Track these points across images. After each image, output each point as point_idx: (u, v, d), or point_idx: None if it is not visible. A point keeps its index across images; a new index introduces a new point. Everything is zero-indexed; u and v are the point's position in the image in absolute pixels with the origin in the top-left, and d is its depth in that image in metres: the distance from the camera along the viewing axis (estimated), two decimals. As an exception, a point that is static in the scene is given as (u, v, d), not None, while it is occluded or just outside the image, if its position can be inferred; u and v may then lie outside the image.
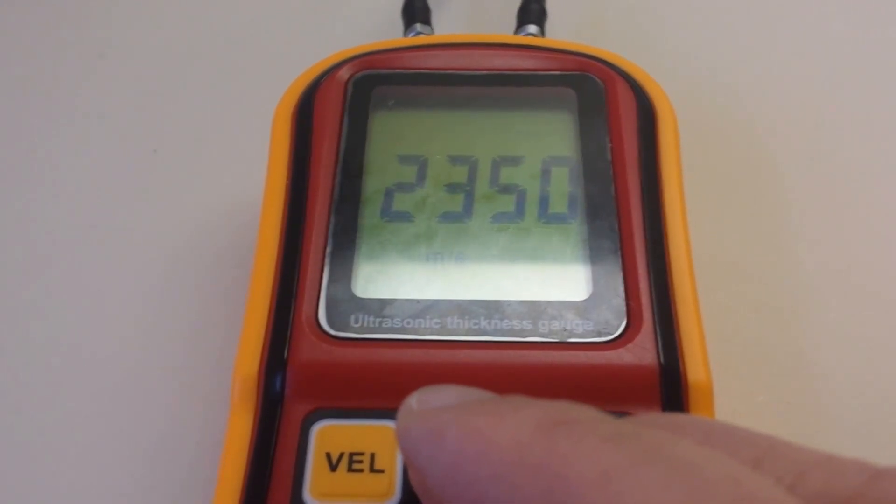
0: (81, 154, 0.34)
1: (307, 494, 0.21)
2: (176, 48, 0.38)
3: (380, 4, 0.38)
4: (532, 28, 0.33)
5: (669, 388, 0.22)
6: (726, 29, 0.38)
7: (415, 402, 0.18)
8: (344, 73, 0.28)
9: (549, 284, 0.24)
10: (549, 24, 0.34)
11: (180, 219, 0.32)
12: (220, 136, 0.35)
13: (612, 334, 0.23)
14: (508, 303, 0.24)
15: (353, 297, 0.24)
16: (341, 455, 0.21)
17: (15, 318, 0.30)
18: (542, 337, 0.23)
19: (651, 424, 0.16)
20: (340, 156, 0.27)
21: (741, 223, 0.32)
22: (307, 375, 0.22)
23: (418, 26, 0.33)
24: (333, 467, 0.21)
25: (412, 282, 0.24)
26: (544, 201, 0.26)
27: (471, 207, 0.26)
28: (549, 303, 0.24)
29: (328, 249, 0.25)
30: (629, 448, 0.14)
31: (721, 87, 0.36)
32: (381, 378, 0.22)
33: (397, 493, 0.21)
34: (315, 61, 0.29)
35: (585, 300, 0.24)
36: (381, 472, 0.21)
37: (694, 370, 0.23)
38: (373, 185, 0.26)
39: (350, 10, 0.39)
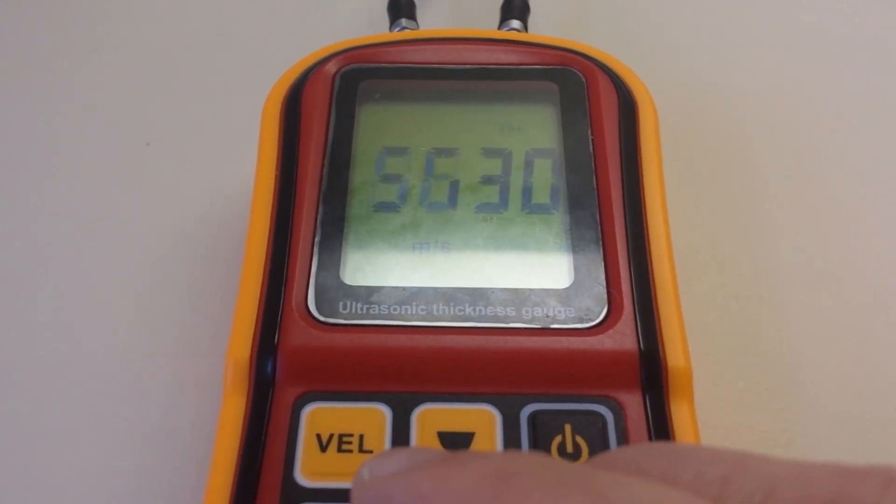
0: (74, 147, 0.35)
1: (299, 474, 0.21)
2: (167, 42, 0.38)
3: (366, 0, 0.39)
4: (515, 23, 0.34)
5: (649, 372, 0.23)
6: (707, 23, 0.39)
7: (366, 471, 0.18)
8: (331, 67, 0.29)
9: (532, 272, 0.25)
10: (532, 20, 0.34)
11: (173, 210, 0.32)
12: (211, 129, 0.35)
13: (593, 321, 0.24)
14: (492, 290, 0.24)
15: (342, 285, 0.24)
16: (331, 436, 0.22)
17: (10, 308, 0.30)
18: (526, 323, 0.24)
19: (608, 464, 0.16)
20: (328, 147, 0.27)
21: (720, 214, 0.32)
22: (297, 360, 0.23)
23: (403, 21, 0.34)
24: (324, 448, 0.22)
25: (399, 269, 0.25)
26: (527, 192, 0.27)
27: (456, 197, 0.27)
28: (532, 290, 0.24)
29: (317, 238, 0.25)
30: (577, 497, 0.14)
31: (701, 81, 0.37)
32: (368, 362, 0.23)
33: (385, 472, 0.22)
34: (303, 56, 0.30)
35: (567, 287, 0.25)
36: (370, 452, 0.22)
37: (674, 355, 0.23)
38: (360, 175, 0.27)
39: (337, 5, 0.39)
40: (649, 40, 0.38)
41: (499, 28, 0.34)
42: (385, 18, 0.35)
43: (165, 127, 0.35)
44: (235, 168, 0.32)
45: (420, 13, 0.35)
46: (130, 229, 0.32)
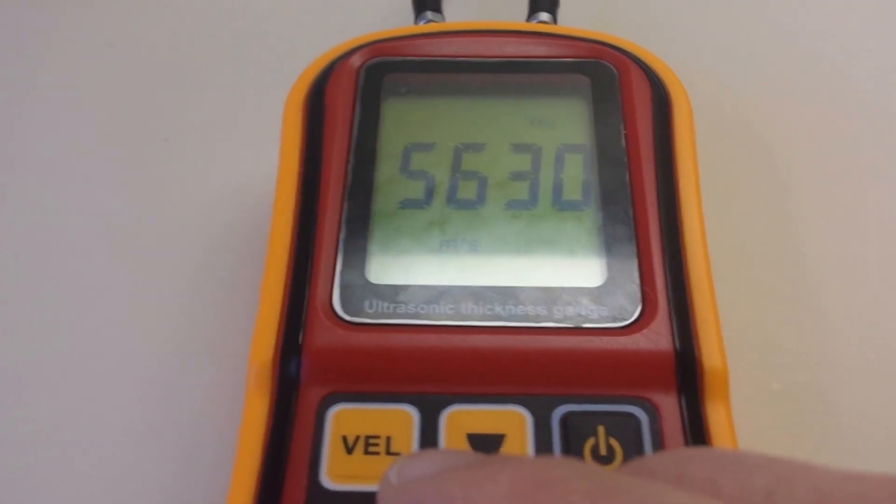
0: (92, 143, 0.34)
1: (324, 477, 0.21)
2: (186, 36, 0.38)
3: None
4: (544, 16, 0.33)
5: (685, 373, 0.22)
6: (740, 16, 0.38)
7: (393, 474, 0.17)
8: (356, 61, 0.28)
9: (563, 270, 0.24)
10: (561, 12, 0.34)
11: (194, 207, 0.32)
12: (231, 124, 0.35)
13: (627, 320, 0.23)
14: (523, 288, 0.24)
15: (367, 283, 0.24)
16: (357, 438, 0.21)
17: (27, 309, 0.30)
18: (557, 322, 0.23)
19: (647, 471, 0.16)
20: (353, 143, 0.27)
21: (754, 211, 0.32)
22: (322, 360, 0.22)
23: (429, 14, 0.33)
24: (350, 450, 0.21)
25: (426, 268, 0.24)
26: (558, 188, 0.26)
27: (484, 194, 0.26)
28: (563, 289, 0.24)
29: (342, 236, 0.25)
30: None
31: (734, 74, 0.36)
32: (395, 362, 0.23)
33: (413, 476, 0.21)
34: (325, 50, 0.29)
35: (600, 286, 0.24)
36: (398, 454, 0.21)
37: (710, 355, 0.23)
38: (385, 171, 0.26)
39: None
40: (681, 33, 0.37)
41: (527, 21, 0.33)
42: (409, 11, 0.34)
43: (184, 122, 0.35)
44: (258, 163, 0.32)
45: (446, 5, 0.34)
46: (148, 227, 0.32)
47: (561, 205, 0.26)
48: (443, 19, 0.33)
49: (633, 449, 0.21)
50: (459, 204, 0.26)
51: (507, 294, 0.24)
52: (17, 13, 0.39)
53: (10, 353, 0.29)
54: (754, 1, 0.39)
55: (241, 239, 0.31)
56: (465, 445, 0.21)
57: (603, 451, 0.21)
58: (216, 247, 0.31)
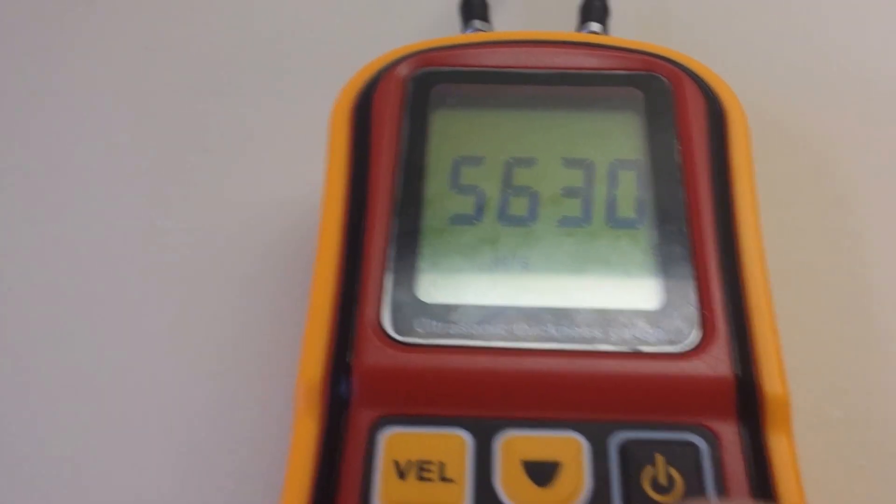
0: (128, 153, 0.34)
1: (377, 502, 0.20)
2: (226, 42, 0.38)
3: (436, 1, 0.37)
4: (595, 26, 0.32)
5: (746, 400, 0.22)
6: (798, 31, 0.37)
7: None
8: (403, 70, 0.28)
9: (618, 292, 0.24)
10: (612, 22, 0.33)
11: (235, 219, 0.32)
12: (274, 133, 0.34)
13: (685, 344, 0.23)
14: (577, 310, 0.23)
15: (418, 302, 0.23)
16: (410, 463, 0.21)
17: (67, 320, 0.30)
18: (613, 345, 0.22)
19: None
20: (401, 156, 0.26)
21: (815, 230, 0.31)
22: (373, 381, 0.22)
23: (477, 23, 0.33)
24: (402, 475, 0.21)
25: (477, 286, 0.24)
26: (612, 205, 0.25)
27: (536, 210, 0.25)
28: (619, 311, 0.23)
29: (391, 252, 0.24)
30: None
31: (793, 89, 0.35)
32: (448, 385, 0.22)
33: (468, 502, 0.21)
34: (370, 58, 0.29)
35: (657, 308, 0.23)
36: (451, 481, 0.21)
37: (771, 382, 0.22)
38: (434, 186, 0.26)
39: (406, 6, 0.38)
40: (735, 45, 0.36)
41: (578, 30, 0.32)
42: (456, 19, 0.34)
43: (225, 131, 0.34)
44: (302, 174, 0.31)
45: (493, 14, 0.34)
46: (189, 238, 0.31)
47: (615, 222, 0.25)
48: (490, 28, 0.33)
49: (694, 479, 0.21)
50: (511, 220, 0.25)
51: (561, 315, 0.23)
52: (51, 13, 0.39)
53: (50, 368, 0.29)
54: (813, 17, 0.38)
55: (287, 252, 0.30)
56: (520, 473, 0.21)
57: (663, 480, 0.21)
58: (261, 260, 0.30)
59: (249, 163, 0.33)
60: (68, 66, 0.37)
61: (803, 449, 0.25)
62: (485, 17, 0.33)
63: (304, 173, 0.29)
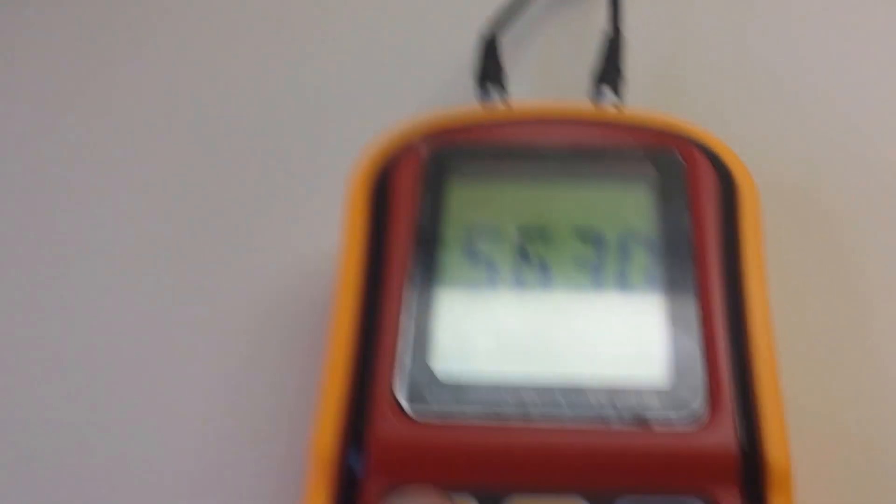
0: (142, 210, 0.35)
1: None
2: (238, 106, 0.38)
3: (452, 60, 0.38)
4: (608, 91, 0.33)
5: (749, 470, 0.22)
6: (813, 98, 0.38)
7: None
8: (423, 149, 0.28)
9: (629, 367, 0.24)
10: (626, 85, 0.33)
11: (247, 281, 0.32)
12: (286, 195, 0.35)
13: (692, 417, 0.23)
14: (588, 385, 0.24)
15: (432, 376, 0.24)
16: (419, 531, 0.21)
17: (74, 377, 0.30)
18: (622, 420, 0.23)
19: None
20: (418, 230, 0.27)
21: (822, 303, 0.31)
22: (386, 453, 0.23)
23: (492, 89, 0.33)
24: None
25: (491, 360, 0.24)
26: (623, 279, 0.26)
27: (549, 283, 0.26)
28: (628, 386, 0.24)
29: (405, 324, 0.25)
30: None
31: (804, 163, 0.35)
32: (460, 459, 0.23)
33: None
34: (384, 120, 0.30)
35: (666, 383, 0.24)
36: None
37: (774, 452, 0.23)
38: (449, 258, 0.26)
39: (419, 68, 0.39)
40: (748, 112, 0.37)
41: (591, 96, 0.33)
42: (469, 81, 0.34)
43: (239, 192, 0.35)
44: (317, 238, 0.32)
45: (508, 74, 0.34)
46: (204, 299, 0.32)
47: (626, 296, 0.26)
48: (506, 93, 0.33)
49: (697, 551, 0.21)
50: (524, 292, 0.26)
51: (572, 391, 0.24)
52: (74, 64, 0.40)
53: (54, 419, 0.29)
54: (829, 87, 0.38)
55: (299, 315, 0.31)
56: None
57: (665, 550, 0.21)
58: (273, 322, 0.31)
59: (259, 228, 0.34)
60: (91, 118, 0.38)
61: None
62: (500, 82, 0.34)
63: (320, 238, 0.30)
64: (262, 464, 0.28)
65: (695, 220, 0.27)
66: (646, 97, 0.34)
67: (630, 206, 0.28)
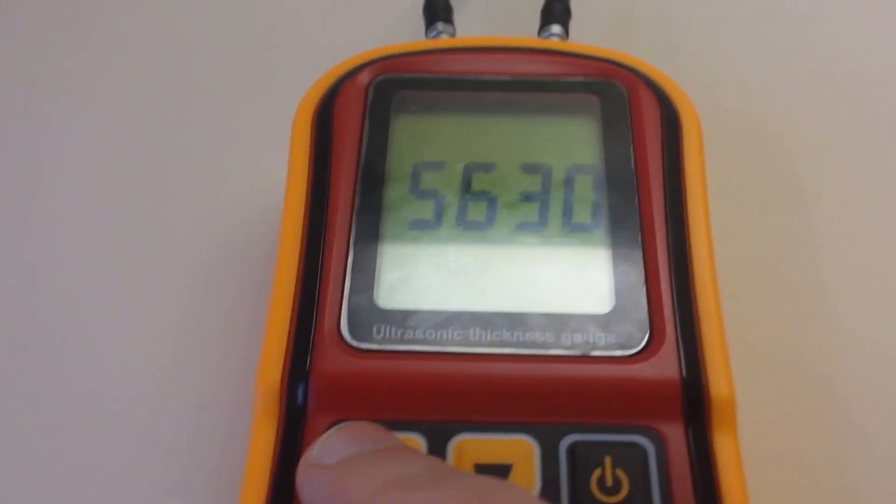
0: (98, 150, 0.34)
1: (331, 507, 0.21)
2: (194, 43, 0.38)
3: (401, 2, 0.38)
4: (556, 28, 0.33)
5: (692, 402, 0.22)
6: (755, 29, 0.38)
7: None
8: (364, 78, 0.28)
9: (572, 296, 0.24)
10: (574, 24, 0.33)
11: (202, 218, 0.32)
12: (239, 135, 0.35)
13: (634, 347, 0.23)
14: (531, 315, 0.24)
15: (376, 308, 0.24)
16: (364, 468, 0.21)
17: (28, 323, 0.30)
18: (565, 350, 0.23)
19: None
20: (361, 162, 0.27)
21: (768, 228, 0.31)
22: (330, 387, 0.23)
23: (440, 25, 0.33)
24: (356, 480, 0.21)
25: (435, 292, 0.24)
26: (568, 211, 0.26)
27: (494, 216, 0.26)
28: (571, 315, 0.24)
29: (350, 259, 0.25)
30: None
31: (746, 88, 0.36)
32: (403, 390, 0.23)
33: (420, 506, 0.21)
34: (336, 59, 0.29)
35: (608, 312, 0.24)
36: (404, 485, 0.21)
37: (717, 384, 0.23)
38: (394, 192, 0.26)
39: (371, 7, 0.38)
40: (694, 45, 0.37)
41: (539, 34, 0.33)
42: (420, 21, 0.34)
43: (192, 130, 0.35)
44: (267, 175, 0.32)
45: (456, 16, 0.34)
46: (155, 239, 0.32)
47: (570, 228, 0.26)
48: (454, 31, 0.33)
49: (641, 479, 0.21)
50: (469, 226, 0.26)
51: (515, 320, 0.24)
52: (21, 12, 0.39)
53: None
54: (771, 16, 0.38)
55: (249, 252, 0.31)
56: (472, 476, 0.22)
57: (609, 482, 0.21)
58: (223, 259, 0.31)
59: (216, 161, 0.34)
60: (36, 62, 0.37)
61: (755, 441, 0.26)
62: (448, 19, 0.33)
63: (270, 174, 0.29)
64: (215, 395, 0.28)
65: (637, 151, 0.27)
66: (593, 34, 0.34)
67: (574, 137, 0.27)
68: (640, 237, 0.25)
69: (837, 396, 0.28)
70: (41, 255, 0.31)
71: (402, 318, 0.24)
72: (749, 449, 0.23)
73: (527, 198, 0.26)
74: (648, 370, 0.23)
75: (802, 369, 0.28)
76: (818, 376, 0.28)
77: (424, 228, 0.26)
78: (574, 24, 0.33)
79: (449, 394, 0.23)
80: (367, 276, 0.24)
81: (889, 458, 0.27)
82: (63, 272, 0.31)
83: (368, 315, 0.24)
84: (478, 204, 0.26)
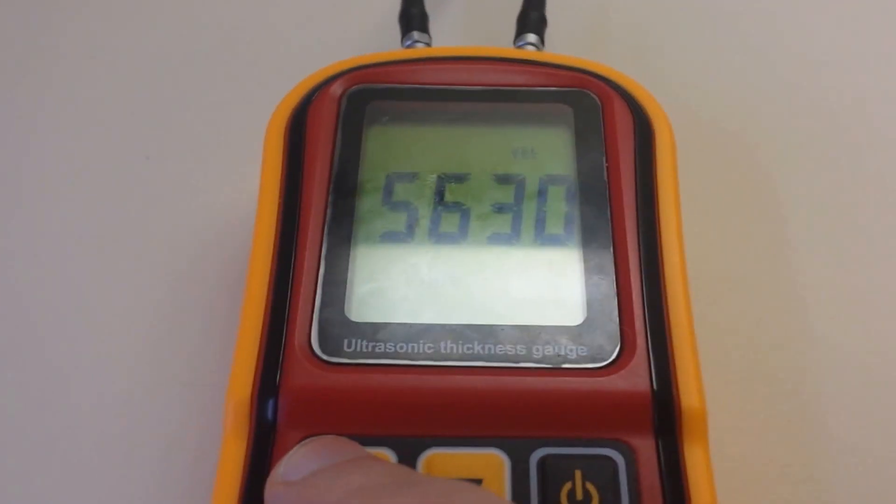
0: (71, 159, 0.34)
1: (300, 524, 0.21)
2: (169, 53, 0.38)
3: (378, 11, 0.38)
4: (531, 37, 0.33)
5: (662, 415, 0.22)
6: (730, 40, 0.38)
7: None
8: (337, 88, 0.28)
9: (543, 308, 0.24)
10: (549, 33, 0.33)
11: (174, 227, 0.32)
12: (214, 145, 0.35)
13: (605, 360, 0.23)
14: (502, 327, 0.24)
15: (347, 321, 0.24)
16: (334, 484, 0.21)
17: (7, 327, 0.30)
18: (536, 363, 0.23)
19: None
20: (334, 172, 0.26)
21: (742, 238, 0.32)
22: (300, 402, 0.22)
23: (415, 34, 0.33)
24: (326, 496, 0.21)
25: (406, 305, 0.24)
26: (541, 222, 0.26)
27: (467, 227, 0.26)
28: (543, 327, 0.24)
29: (321, 271, 0.25)
30: None
31: (720, 98, 0.36)
32: (373, 404, 0.22)
33: (391, 521, 0.21)
34: (312, 69, 0.29)
35: (579, 325, 0.24)
36: (373, 501, 0.21)
37: (688, 396, 0.23)
38: (366, 203, 0.26)
39: (347, 16, 0.38)
40: (669, 55, 0.37)
41: (514, 42, 0.33)
42: (397, 30, 0.34)
43: (166, 141, 0.35)
44: (238, 186, 0.32)
45: (432, 24, 0.34)
46: (127, 247, 0.32)
47: (543, 240, 0.26)
48: (429, 39, 0.33)
49: (610, 493, 0.21)
50: (441, 238, 0.26)
51: (486, 333, 0.24)
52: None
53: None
54: (746, 27, 0.38)
55: (221, 261, 0.31)
56: (441, 491, 0.21)
57: (579, 495, 0.21)
58: (195, 268, 0.31)
59: (190, 170, 0.34)
60: (18, 74, 0.37)
61: (727, 449, 0.26)
62: (424, 28, 0.33)
63: (244, 183, 0.29)
64: (186, 410, 0.28)
65: (610, 161, 0.27)
66: (569, 43, 0.34)
67: (547, 148, 0.27)
68: (612, 248, 0.25)
69: (810, 404, 0.28)
70: (13, 265, 0.31)
71: (373, 332, 0.24)
72: (720, 456, 0.23)
73: (499, 209, 0.26)
74: (619, 382, 0.23)
75: (775, 377, 0.29)
76: (791, 384, 0.28)
77: (396, 240, 0.26)
78: (550, 32, 0.33)
79: (419, 407, 0.22)
80: (338, 288, 0.24)
81: (862, 465, 0.27)
82: (32, 283, 0.31)
83: (339, 329, 0.24)
84: (451, 215, 0.26)
